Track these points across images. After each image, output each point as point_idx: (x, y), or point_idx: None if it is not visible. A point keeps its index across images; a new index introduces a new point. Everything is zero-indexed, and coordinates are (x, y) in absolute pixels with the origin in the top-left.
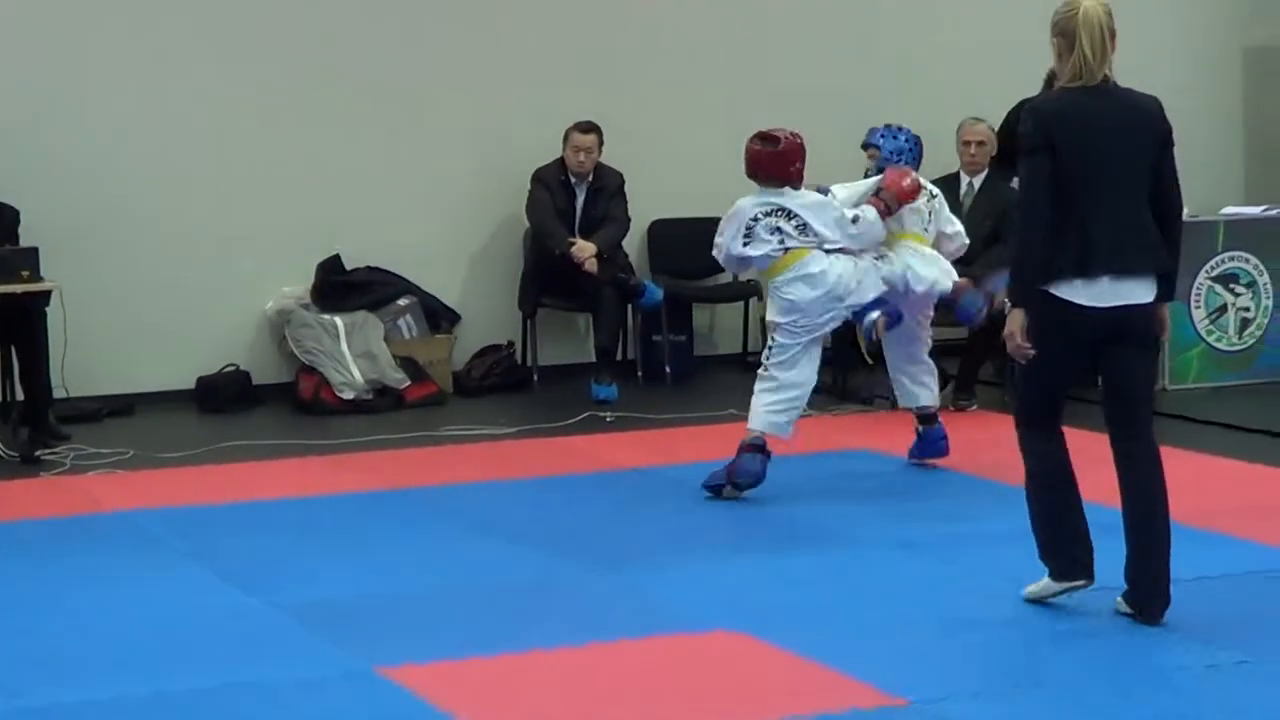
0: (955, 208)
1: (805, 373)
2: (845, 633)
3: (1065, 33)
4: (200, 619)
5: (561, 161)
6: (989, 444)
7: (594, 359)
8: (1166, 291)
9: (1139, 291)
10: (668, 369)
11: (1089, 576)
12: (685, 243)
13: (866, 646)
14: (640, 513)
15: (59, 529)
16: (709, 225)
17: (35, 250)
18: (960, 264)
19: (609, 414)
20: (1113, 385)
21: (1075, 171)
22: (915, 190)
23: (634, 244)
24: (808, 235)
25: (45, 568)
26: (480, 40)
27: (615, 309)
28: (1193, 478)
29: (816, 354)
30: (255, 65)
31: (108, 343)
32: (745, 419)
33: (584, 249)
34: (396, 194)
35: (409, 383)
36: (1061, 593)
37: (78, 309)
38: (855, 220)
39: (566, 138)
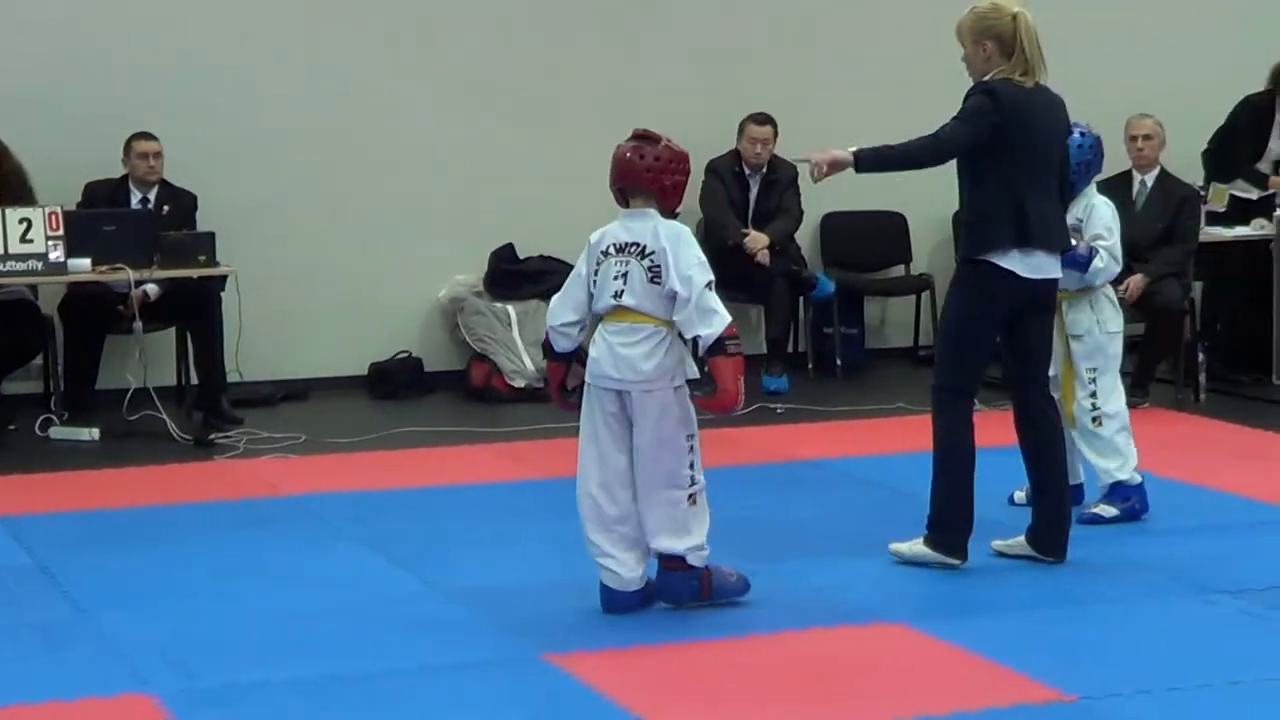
0: (1128, 207)
1: None
2: (1006, 627)
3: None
4: (371, 603)
5: (735, 153)
6: (1164, 441)
7: (765, 350)
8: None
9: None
10: (838, 362)
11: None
12: (857, 235)
13: (1028, 640)
14: (806, 504)
15: (232, 512)
16: (882, 218)
17: (212, 235)
18: (1133, 262)
19: (779, 405)
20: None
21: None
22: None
23: (806, 236)
24: None
25: (218, 550)
26: (654, 31)
27: (787, 301)
28: None
29: None
30: (433, 53)
31: (282, 327)
32: (916, 413)
33: (757, 240)
34: (569, 183)
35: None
36: (935, 565)
37: (253, 293)
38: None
39: (742, 129)
